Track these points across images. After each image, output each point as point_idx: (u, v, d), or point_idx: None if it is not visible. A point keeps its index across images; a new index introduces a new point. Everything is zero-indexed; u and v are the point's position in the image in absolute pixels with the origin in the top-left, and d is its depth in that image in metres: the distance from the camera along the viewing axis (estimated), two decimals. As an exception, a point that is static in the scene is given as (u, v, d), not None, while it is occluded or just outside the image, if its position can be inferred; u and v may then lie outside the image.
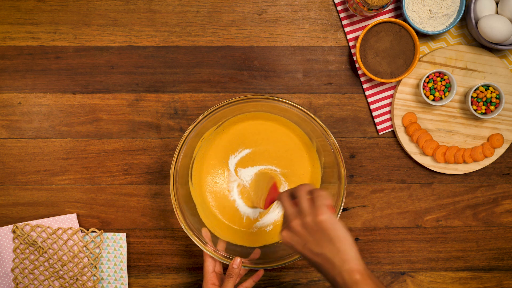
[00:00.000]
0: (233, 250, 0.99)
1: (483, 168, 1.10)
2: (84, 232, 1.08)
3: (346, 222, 1.10)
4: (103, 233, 1.08)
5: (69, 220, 1.07)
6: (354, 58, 1.07)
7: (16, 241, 1.07)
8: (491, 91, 1.04)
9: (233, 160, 1.03)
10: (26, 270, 1.07)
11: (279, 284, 1.11)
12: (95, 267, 1.08)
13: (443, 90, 1.04)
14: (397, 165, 1.10)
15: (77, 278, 1.07)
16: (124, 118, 1.08)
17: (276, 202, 0.95)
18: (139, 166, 1.09)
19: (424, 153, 1.07)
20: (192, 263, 1.10)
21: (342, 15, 1.07)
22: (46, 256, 1.06)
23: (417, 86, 1.06)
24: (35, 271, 1.07)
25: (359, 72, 1.08)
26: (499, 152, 1.08)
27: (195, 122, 0.93)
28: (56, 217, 1.07)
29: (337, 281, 0.76)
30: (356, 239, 1.10)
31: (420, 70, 1.06)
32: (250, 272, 1.03)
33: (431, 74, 1.04)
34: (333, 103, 1.09)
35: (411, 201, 1.10)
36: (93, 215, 1.09)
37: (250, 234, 1.04)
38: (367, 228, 1.10)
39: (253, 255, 0.99)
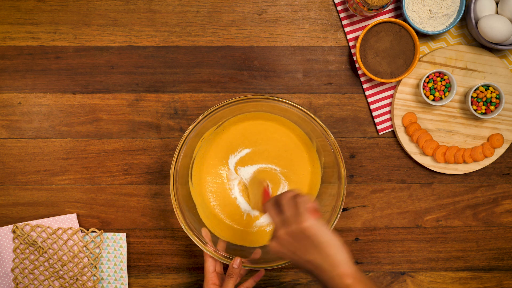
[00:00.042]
0: (233, 250, 0.99)
1: (483, 168, 1.10)
2: (84, 232, 1.08)
3: (346, 222, 1.10)
4: (103, 233, 1.08)
5: (69, 220, 1.07)
6: (354, 58, 1.07)
7: (16, 241, 1.07)
8: (491, 91, 1.04)
9: (233, 159, 1.03)
10: (26, 270, 1.07)
11: (279, 284, 1.11)
12: (95, 267, 1.08)
13: (443, 90, 1.04)
14: (397, 165, 1.10)
15: (77, 278, 1.07)
16: (124, 118, 1.08)
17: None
18: (139, 166, 1.09)
19: (424, 153, 1.07)
20: (192, 263, 1.10)
21: (342, 15, 1.07)
22: (46, 256, 1.06)
23: (417, 86, 1.06)
24: (35, 271, 1.07)
25: (359, 72, 1.08)
26: (499, 152, 1.08)
27: (195, 122, 0.93)
28: (56, 217, 1.07)
29: (329, 286, 0.76)
30: (356, 239, 1.10)
31: (420, 70, 1.06)
32: (250, 272, 1.03)
33: (431, 74, 1.04)
34: (333, 103, 1.09)
35: (411, 201, 1.10)
36: (93, 215, 1.09)
37: (250, 234, 1.04)
38: (367, 228, 1.10)
39: (253, 255, 0.99)
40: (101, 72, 1.07)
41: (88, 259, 1.07)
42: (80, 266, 1.07)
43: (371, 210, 1.10)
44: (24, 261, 1.07)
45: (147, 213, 1.09)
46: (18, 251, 1.07)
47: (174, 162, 0.94)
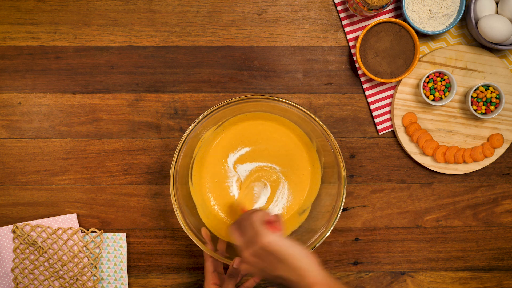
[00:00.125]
0: (233, 250, 0.99)
1: (483, 168, 1.10)
2: (84, 232, 1.08)
3: (346, 222, 1.10)
4: (103, 233, 1.08)
5: (69, 220, 1.07)
6: (354, 58, 1.07)
7: (16, 241, 1.07)
8: (491, 91, 1.04)
9: (232, 158, 1.04)
10: (26, 270, 1.07)
11: (279, 284, 1.11)
12: (95, 267, 1.08)
13: (443, 90, 1.04)
14: (397, 165, 1.10)
15: (77, 278, 1.07)
16: (124, 118, 1.08)
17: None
18: (139, 166, 1.09)
19: (424, 153, 1.07)
20: (192, 263, 1.10)
21: (342, 15, 1.07)
22: (46, 256, 1.06)
23: (417, 86, 1.06)
24: (35, 271, 1.07)
25: (359, 72, 1.08)
26: (499, 152, 1.08)
27: (195, 122, 0.93)
28: (56, 217, 1.07)
29: None
30: (356, 239, 1.10)
31: (420, 70, 1.06)
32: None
33: (431, 74, 1.04)
34: (333, 103, 1.09)
35: (411, 201, 1.10)
36: (93, 215, 1.09)
37: (250, 234, 1.04)
38: (367, 228, 1.10)
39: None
40: (101, 72, 1.07)
41: (88, 259, 1.07)
42: (80, 266, 1.07)
43: (371, 210, 1.10)
44: (24, 261, 1.07)
45: (147, 213, 1.09)
46: (18, 251, 1.07)
47: (174, 162, 0.94)
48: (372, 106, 1.08)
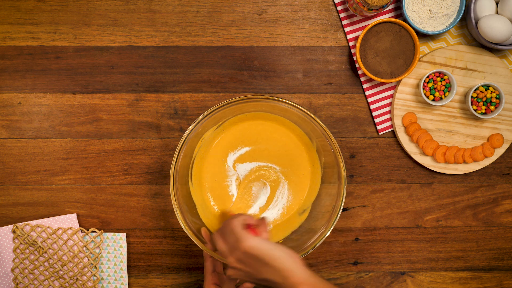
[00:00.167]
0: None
1: (483, 168, 1.10)
2: (84, 232, 1.08)
3: (346, 222, 1.10)
4: (103, 233, 1.08)
5: (69, 220, 1.07)
6: (354, 58, 1.07)
7: (16, 241, 1.07)
8: (491, 91, 1.04)
9: (232, 157, 1.04)
10: (26, 270, 1.07)
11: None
12: (95, 267, 1.08)
13: (443, 90, 1.04)
14: (397, 165, 1.10)
15: (77, 278, 1.07)
16: (124, 118, 1.08)
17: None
18: (139, 166, 1.09)
19: (424, 153, 1.07)
20: (192, 263, 1.10)
21: (342, 15, 1.07)
22: (46, 256, 1.06)
23: (417, 86, 1.06)
24: (35, 271, 1.07)
25: (359, 72, 1.08)
26: (499, 152, 1.08)
27: (195, 122, 0.93)
28: (56, 217, 1.07)
29: None
30: (356, 239, 1.10)
31: (420, 70, 1.06)
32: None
33: (431, 74, 1.04)
34: (333, 103, 1.09)
35: (411, 201, 1.10)
36: (93, 215, 1.09)
37: (250, 234, 1.04)
38: (367, 228, 1.10)
39: None
40: (101, 72, 1.07)
41: (88, 259, 1.07)
42: (80, 266, 1.07)
43: (371, 210, 1.10)
44: (24, 261, 1.07)
45: (147, 213, 1.09)
46: (18, 251, 1.07)
47: (174, 162, 0.93)
48: (372, 106, 1.08)
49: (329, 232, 0.94)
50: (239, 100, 0.93)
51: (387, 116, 1.08)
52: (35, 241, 1.05)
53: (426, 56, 1.06)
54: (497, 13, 1.03)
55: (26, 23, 1.07)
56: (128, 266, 1.10)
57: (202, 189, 1.03)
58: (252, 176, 1.04)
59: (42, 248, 1.06)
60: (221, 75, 1.08)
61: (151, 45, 1.07)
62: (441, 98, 1.05)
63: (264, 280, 0.79)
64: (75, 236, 1.07)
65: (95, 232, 1.08)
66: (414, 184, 1.10)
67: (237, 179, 1.04)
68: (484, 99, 1.04)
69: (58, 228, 1.06)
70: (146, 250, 1.10)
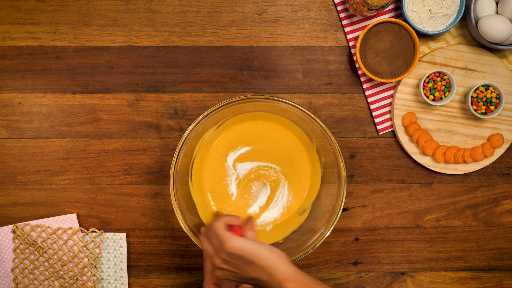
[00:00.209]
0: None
1: (483, 168, 1.10)
2: (84, 232, 1.08)
3: (346, 222, 1.10)
4: (103, 233, 1.08)
5: (69, 220, 1.07)
6: (354, 58, 1.07)
7: (16, 241, 1.07)
8: (491, 91, 1.04)
9: (232, 156, 1.04)
10: (26, 270, 1.07)
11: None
12: (95, 267, 1.08)
13: (443, 90, 1.04)
14: (397, 165, 1.10)
15: (77, 278, 1.07)
16: (124, 118, 1.08)
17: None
18: (139, 166, 1.09)
19: (424, 153, 1.07)
20: (192, 263, 1.10)
21: (342, 15, 1.07)
22: (46, 256, 1.06)
23: (417, 86, 1.06)
24: (35, 271, 1.07)
25: (359, 72, 1.08)
26: (499, 152, 1.08)
27: (195, 122, 0.93)
28: (56, 217, 1.07)
29: None
30: (356, 239, 1.10)
31: (420, 70, 1.06)
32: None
33: (431, 74, 1.04)
34: (333, 103, 1.09)
35: (411, 201, 1.10)
36: (93, 215, 1.09)
37: (250, 234, 1.04)
38: (367, 228, 1.10)
39: None
40: (101, 72, 1.07)
41: (88, 259, 1.07)
42: (80, 266, 1.07)
43: (371, 210, 1.10)
44: (24, 261, 1.07)
45: (147, 213, 1.09)
46: (18, 251, 1.07)
47: (174, 162, 0.93)
48: (372, 106, 1.08)
49: (329, 232, 0.94)
50: (239, 100, 0.93)
51: (387, 116, 1.08)
52: (35, 241, 1.05)
53: (426, 56, 1.06)
54: (497, 13, 1.03)
55: (26, 23, 1.07)
56: (128, 266, 1.10)
57: (202, 189, 1.03)
58: (252, 175, 1.04)
59: (42, 248, 1.06)
60: (221, 75, 1.08)
61: (151, 45, 1.07)
62: (441, 98, 1.05)
63: (251, 279, 0.80)
64: (75, 236, 1.07)
65: (95, 232, 1.08)
66: (414, 184, 1.10)
67: (236, 178, 1.04)
68: (484, 99, 1.04)
69: (58, 228, 1.06)
70: (146, 250, 1.10)
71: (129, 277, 1.10)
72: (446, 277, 1.11)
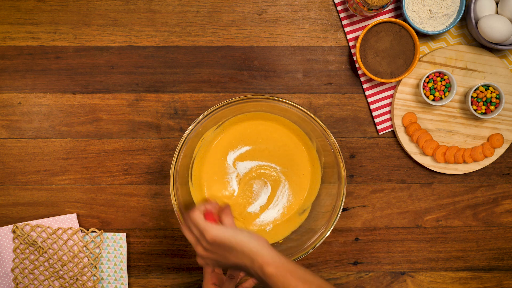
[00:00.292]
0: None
1: (483, 168, 1.10)
2: (84, 232, 1.08)
3: (346, 222, 1.10)
4: (103, 233, 1.08)
5: (69, 220, 1.07)
6: (354, 58, 1.07)
7: (16, 241, 1.07)
8: (491, 91, 1.04)
9: (232, 155, 1.04)
10: (26, 270, 1.07)
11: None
12: (95, 267, 1.08)
13: (443, 90, 1.04)
14: (397, 165, 1.10)
15: (77, 278, 1.07)
16: (124, 118, 1.08)
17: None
18: (139, 166, 1.09)
19: (424, 153, 1.07)
20: (192, 263, 1.10)
21: (342, 15, 1.07)
22: (46, 256, 1.06)
23: (417, 86, 1.06)
24: (35, 271, 1.07)
25: (359, 72, 1.08)
26: (499, 152, 1.08)
27: (195, 122, 0.93)
28: (56, 217, 1.07)
29: (258, 279, 0.79)
30: (356, 239, 1.10)
31: (420, 70, 1.06)
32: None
33: (431, 74, 1.04)
34: (333, 103, 1.09)
35: (411, 201, 1.10)
36: (93, 215, 1.09)
37: (250, 234, 1.04)
38: (367, 228, 1.10)
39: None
40: (101, 72, 1.07)
41: (88, 259, 1.07)
42: (80, 266, 1.07)
43: (371, 210, 1.10)
44: (24, 261, 1.07)
45: (147, 213, 1.09)
46: (18, 251, 1.07)
47: (174, 162, 0.93)
48: (372, 106, 1.08)
49: (329, 232, 0.94)
50: (239, 100, 0.93)
51: (387, 116, 1.08)
52: (35, 241, 1.05)
53: (426, 56, 1.06)
54: (497, 13, 1.03)
55: (26, 23, 1.07)
56: (128, 266, 1.10)
57: (202, 188, 1.04)
58: (253, 174, 1.04)
59: (42, 248, 1.06)
60: (221, 75, 1.08)
61: (151, 45, 1.07)
62: (441, 98, 1.05)
63: (234, 265, 0.81)
64: (75, 236, 1.07)
65: (95, 232, 1.08)
66: (414, 184, 1.10)
67: (237, 176, 1.04)
68: (484, 99, 1.04)
69: (58, 228, 1.06)
70: (146, 250, 1.10)
71: (129, 277, 1.10)
72: (446, 277, 1.11)
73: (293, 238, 1.02)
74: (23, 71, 1.07)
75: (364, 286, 1.11)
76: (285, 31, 1.07)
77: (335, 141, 0.94)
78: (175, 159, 0.93)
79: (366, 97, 1.08)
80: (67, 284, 1.07)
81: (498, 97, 1.04)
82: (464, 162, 1.08)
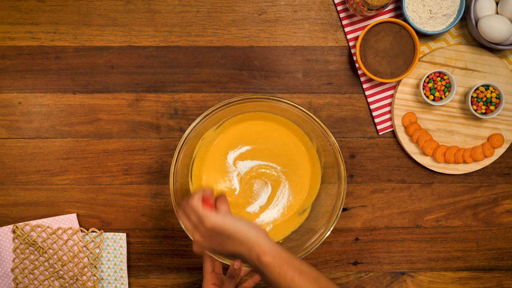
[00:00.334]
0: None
1: (483, 168, 1.10)
2: (84, 232, 1.08)
3: (346, 222, 1.10)
4: (103, 233, 1.08)
5: (69, 220, 1.07)
6: (354, 58, 1.07)
7: (16, 241, 1.07)
8: (491, 91, 1.04)
9: (232, 155, 1.04)
10: (26, 270, 1.07)
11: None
12: (95, 267, 1.08)
13: (443, 90, 1.04)
14: (397, 165, 1.10)
15: (77, 278, 1.07)
16: (124, 118, 1.08)
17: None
18: (139, 166, 1.09)
19: (424, 153, 1.07)
20: (192, 263, 1.10)
21: (342, 15, 1.07)
22: (46, 256, 1.06)
23: (417, 86, 1.06)
24: (35, 271, 1.07)
25: (359, 72, 1.08)
26: (499, 152, 1.08)
27: (195, 122, 0.93)
28: (56, 217, 1.07)
29: (254, 268, 0.79)
30: (356, 239, 1.10)
31: (420, 70, 1.06)
32: (251, 273, 1.02)
33: (431, 74, 1.04)
34: (333, 103, 1.09)
35: (411, 201, 1.10)
36: (93, 215, 1.09)
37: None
38: (367, 228, 1.10)
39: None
40: (101, 72, 1.07)
41: (88, 259, 1.07)
42: (80, 266, 1.07)
43: (371, 210, 1.10)
44: (24, 261, 1.07)
45: (147, 213, 1.09)
46: (18, 251, 1.07)
47: (174, 162, 0.94)
48: (372, 106, 1.08)
49: (329, 232, 0.94)
50: (239, 100, 0.93)
51: (387, 116, 1.08)
52: (35, 241, 1.05)
53: (426, 56, 1.06)
54: (497, 13, 1.03)
55: (26, 23, 1.07)
56: (128, 266, 1.10)
57: (202, 189, 1.03)
58: (253, 173, 1.04)
59: (42, 248, 1.06)
60: (221, 75, 1.08)
61: (151, 45, 1.07)
62: (441, 98, 1.05)
63: (230, 252, 0.81)
64: (75, 236, 1.07)
65: (95, 232, 1.08)
66: (414, 184, 1.10)
67: (238, 175, 1.04)
68: (484, 99, 1.04)
69: (58, 228, 1.06)
70: (146, 250, 1.10)
71: (129, 277, 1.10)
72: (446, 277, 1.11)
73: (293, 238, 1.02)
74: (23, 71, 1.07)
75: (364, 286, 1.11)
76: (285, 31, 1.07)
77: (335, 141, 0.94)
78: (175, 159, 0.93)
79: (366, 97, 1.08)
80: (67, 284, 1.07)
81: (498, 97, 1.04)
82: (464, 162, 1.08)
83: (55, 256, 1.06)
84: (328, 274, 1.10)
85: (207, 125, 0.98)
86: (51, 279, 1.07)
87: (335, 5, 1.07)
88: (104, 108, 1.08)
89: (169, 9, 1.07)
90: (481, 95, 1.04)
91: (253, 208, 1.04)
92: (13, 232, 1.07)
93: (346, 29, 1.07)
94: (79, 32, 1.07)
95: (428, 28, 1.04)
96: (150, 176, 1.09)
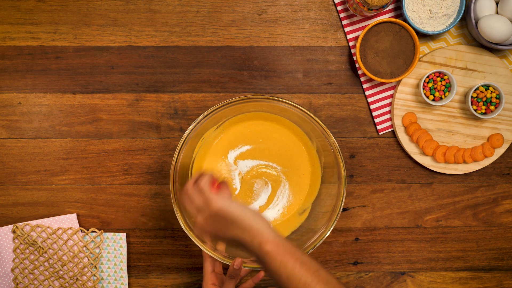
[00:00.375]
0: (233, 250, 0.99)
1: (483, 168, 1.10)
2: (84, 232, 1.08)
3: (346, 222, 1.10)
4: (103, 233, 1.08)
5: (69, 220, 1.07)
6: (354, 58, 1.07)
7: (16, 241, 1.07)
8: (491, 91, 1.04)
9: (232, 154, 1.04)
10: (26, 270, 1.07)
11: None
12: (95, 267, 1.08)
13: (443, 90, 1.04)
14: (397, 165, 1.10)
15: (77, 278, 1.07)
16: (124, 118, 1.08)
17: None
18: (139, 166, 1.09)
19: (424, 153, 1.07)
20: (192, 263, 1.10)
21: (342, 15, 1.07)
22: (46, 256, 1.06)
23: (417, 86, 1.06)
24: (35, 271, 1.07)
25: (359, 72, 1.08)
26: (499, 152, 1.08)
27: (195, 122, 0.93)
28: (56, 217, 1.07)
29: (254, 255, 0.80)
30: (356, 239, 1.10)
31: (420, 70, 1.06)
32: (251, 273, 1.03)
33: (431, 74, 1.04)
34: (333, 103, 1.09)
35: (411, 201, 1.10)
36: (93, 215, 1.09)
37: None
38: (367, 228, 1.10)
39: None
40: (101, 72, 1.07)
41: (88, 259, 1.07)
42: (80, 266, 1.07)
43: (371, 210, 1.10)
44: (24, 261, 1.07)
45: (147, 213, 1.09)
46: (18, 251, 1.07)
47: (174, 162, 0.94)
48: (372, 106, 1.08)
49: (329, 232, 0.94)
50: (239, 100, 0.93)
51: (387, 116, 1.09)
52: (35, 241, 1.05)
53: (426, 56, 1.06)
54: (497, 13, 1.03)
55: (26, 23, 1.07)
56: (128, 266, 1.10)
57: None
58: (254, 172, 1.04)
59: (42, 248, 1.06)
60: (221, 75, 1.08)
61: (151, 45, 1.07)
62: (441, 98, 1.05)
63: (232, 237, 0.82)
64: (75, 236, 1.07)
65: (95, 232, 1.08)
66: (414, 184, 1.10)
67: (239, 174, 1.04)
68: (484, 99, 1.04)
69: (58, 228, 1.06)
70: (146, 250, 1.10)
71: (129, 277, 1.10)
72: (446, 277, 1.11)
73: (293, 238, 1.02)
74: (23, 71, 1.07)
75: (364, 286, 1.11)
76: (285, 31, 1.07)
77: (335, 141, 0.94)
78: (175, 159, 0.93)
79: (366, 97, 1.08)
80: (67, 284, 1.07)
81: (498, 97, 1.04)
82: (464, 162, 1.08)
83: (55, 256, 1.06)
84: (328, 274, 1.10)
85: (207, 125, 0.98)
86: (51, 279, 1.07)
87: (335, 5, 1.07)
88: (104, 108, 1.08)
89: (169, 9, 1.07)
90: (481, 95, 1.04)
91: (253, 208, 1.04)
92: (13, 232, 1.07)
93: (346, 29, 1.07)
94: (79, 32, 1.07)
95: (428, 28, 1.04)
96: (150, 176, 1.09)
